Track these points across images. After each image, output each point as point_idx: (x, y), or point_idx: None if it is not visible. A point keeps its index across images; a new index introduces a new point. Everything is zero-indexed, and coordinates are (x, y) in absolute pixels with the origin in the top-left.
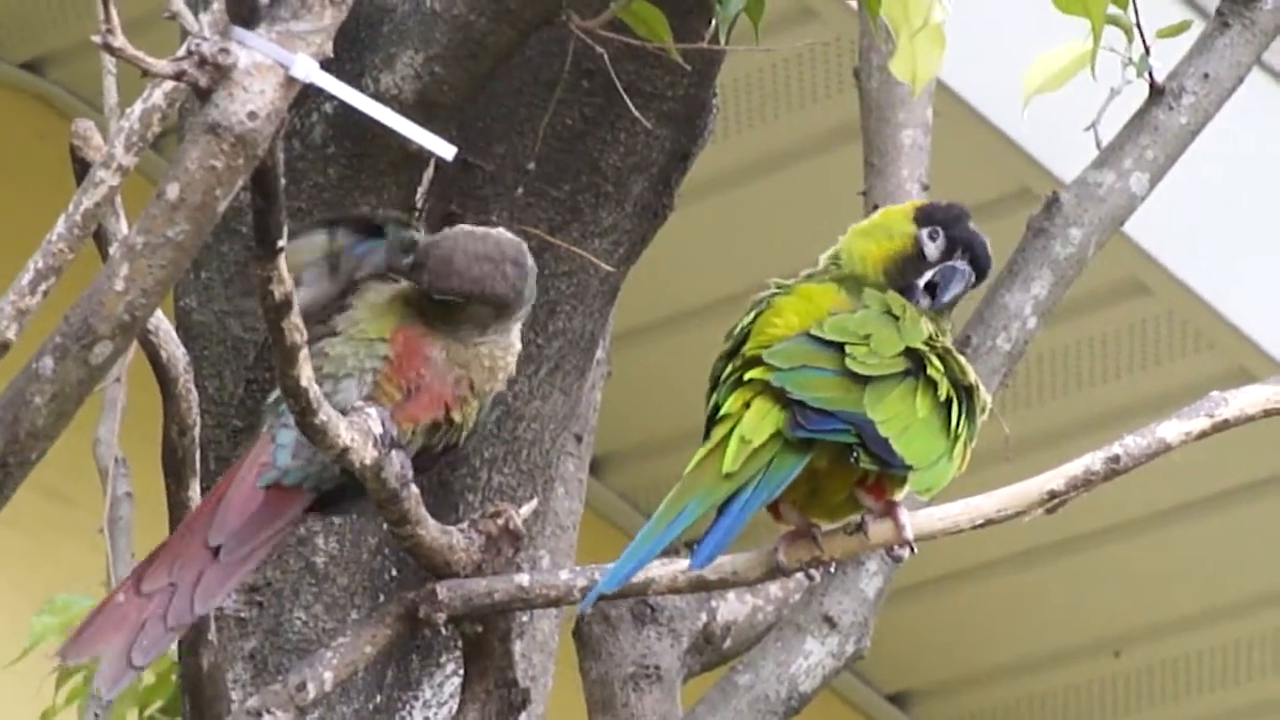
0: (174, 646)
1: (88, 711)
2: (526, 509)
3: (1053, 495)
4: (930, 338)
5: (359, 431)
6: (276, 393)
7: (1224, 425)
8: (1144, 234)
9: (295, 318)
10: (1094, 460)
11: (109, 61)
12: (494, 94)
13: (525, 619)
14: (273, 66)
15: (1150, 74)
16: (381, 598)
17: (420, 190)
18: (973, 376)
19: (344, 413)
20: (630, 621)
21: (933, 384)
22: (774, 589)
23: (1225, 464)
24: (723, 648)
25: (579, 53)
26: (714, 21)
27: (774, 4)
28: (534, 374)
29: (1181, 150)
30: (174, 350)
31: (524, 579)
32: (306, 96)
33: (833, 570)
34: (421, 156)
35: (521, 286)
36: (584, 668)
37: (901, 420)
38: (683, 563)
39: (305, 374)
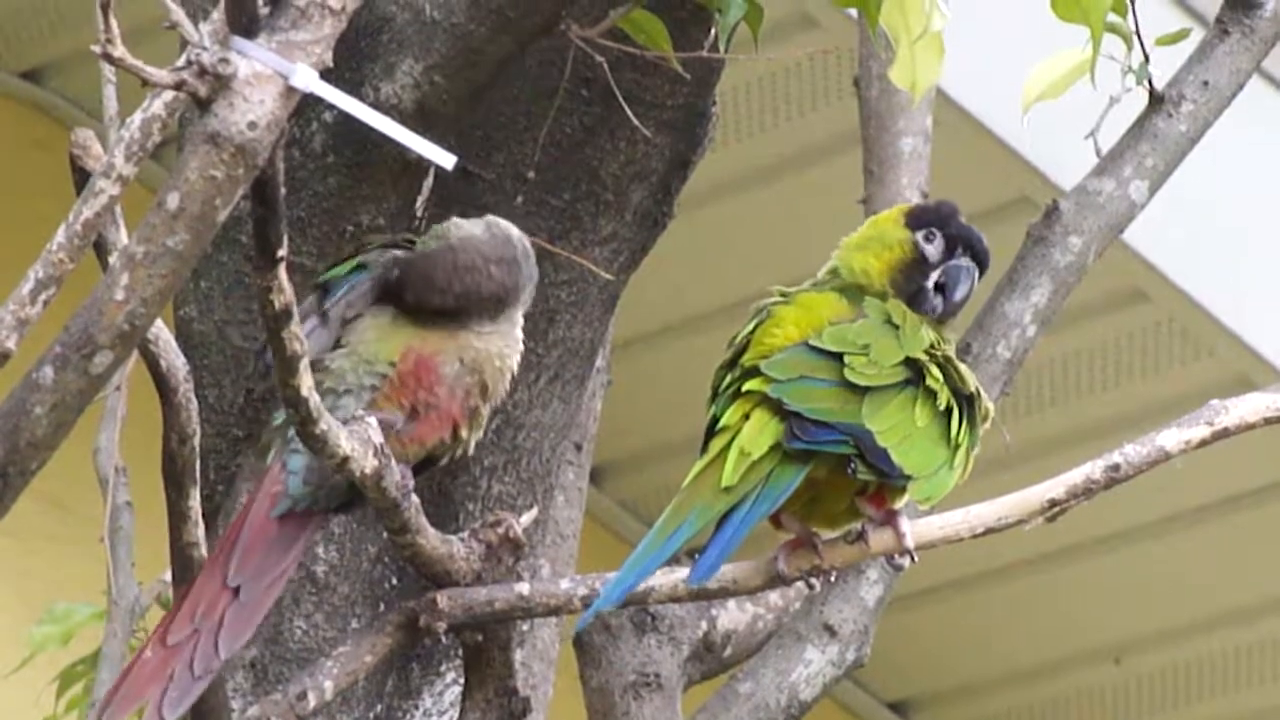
0: None
1: None
2: (526, 518)
3: (1053, 503)
4: (931, 346)
5: (359, 441)
6: (281, 414)
7: (1224, 433)
8: (1143, 242)
9: (295, 327)
10: (1094, 468)
11: (109, 71)
12: (493, 103)
13: (525, 627)
14: (272, 76)
15: (1150, 82)
16: (382, 607)
17: (420, 199)
18: (974, 384)
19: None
20: (631, 630)
21: (932, 393)
22: (774, 597)
23: (1224, 472)
24: (723, 656)
25: (578, 61)
26: (714, 30)
27: (774, 12)
28: (534, 382)
29: (1181, 158)
30: (174, 359)
31: (524, 588)
32: (306, 106)
33: (833, 579)
34: (421, 165)
35: (513, 280)
36: (584, 676)
37: (901, 430)
38: (683, 571)
39: (306, 383)
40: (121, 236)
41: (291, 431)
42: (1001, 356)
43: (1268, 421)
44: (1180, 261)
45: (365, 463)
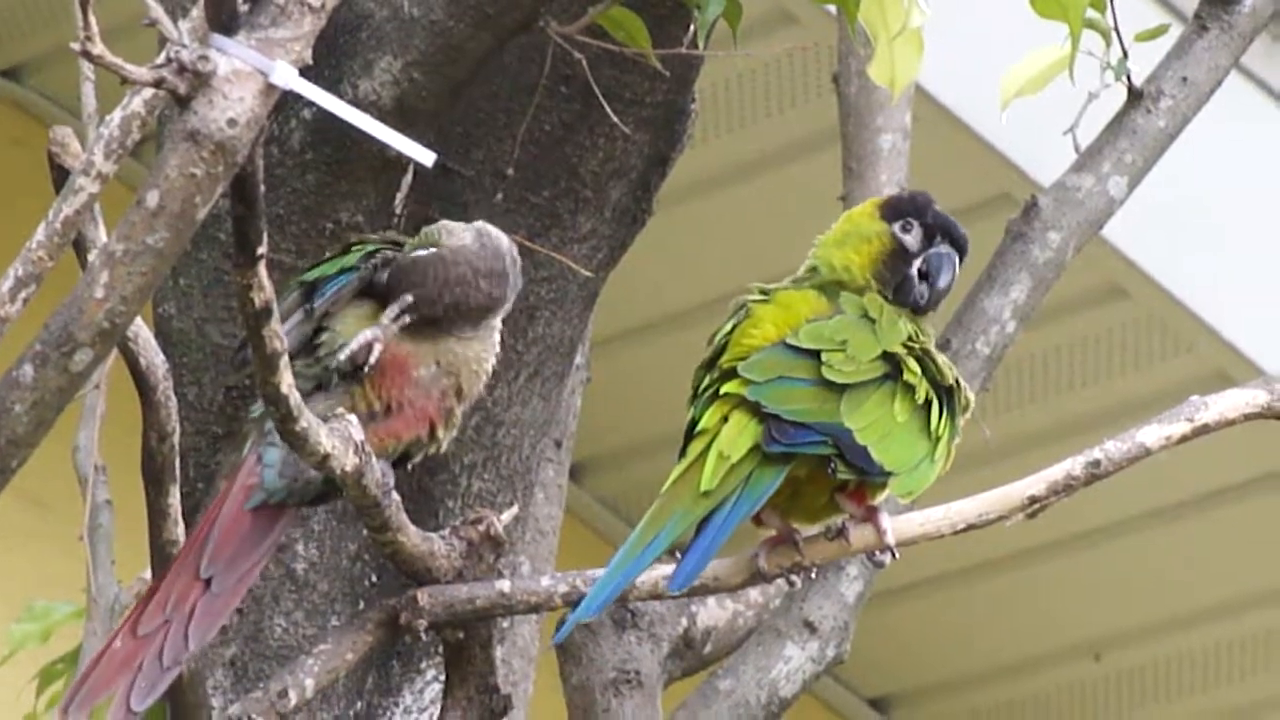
0: None
1: None
2: (507, 515)
3: (1033, 500)
4: (909, 339)
5: (340, 438)
6: (259, 406)
7: (1204, 429)
8: (1123, 238)
9: (275, 324)
10: (1074, 465)
11: (87, 68)
12: (472, 100)
13: (506, 625)
14: (252, 73)
15: (1128, 78)
16: (362, 604)
17: (399, 196)
18: (953, 375)
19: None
20: (611, 627)
21: (910, 387)
22: (754, 594)
23: (1205, 468)
24: (703, 653)
25: (557, 58)
26: (692, 27)
27: (752, 9)
28: (513, 380)
29: (1160, 154)
30: (153, 357)
31: (505, 585)
32: (285, 103)
33: (814, 575)
34: (401, 162)
35: (501, 292)
36: (565, 673)
37: (880, 427)
38: (664, 569)
39: (286, 381)
40: (101, 234)
41: (269, 425)
42: (981, 353)
43: (1247, 417)
44: (1160, 257)
45: (346, 460)
